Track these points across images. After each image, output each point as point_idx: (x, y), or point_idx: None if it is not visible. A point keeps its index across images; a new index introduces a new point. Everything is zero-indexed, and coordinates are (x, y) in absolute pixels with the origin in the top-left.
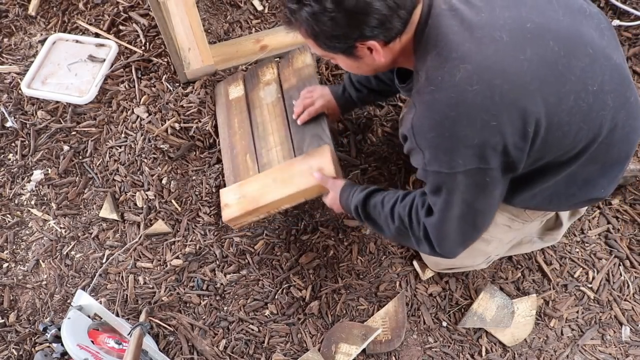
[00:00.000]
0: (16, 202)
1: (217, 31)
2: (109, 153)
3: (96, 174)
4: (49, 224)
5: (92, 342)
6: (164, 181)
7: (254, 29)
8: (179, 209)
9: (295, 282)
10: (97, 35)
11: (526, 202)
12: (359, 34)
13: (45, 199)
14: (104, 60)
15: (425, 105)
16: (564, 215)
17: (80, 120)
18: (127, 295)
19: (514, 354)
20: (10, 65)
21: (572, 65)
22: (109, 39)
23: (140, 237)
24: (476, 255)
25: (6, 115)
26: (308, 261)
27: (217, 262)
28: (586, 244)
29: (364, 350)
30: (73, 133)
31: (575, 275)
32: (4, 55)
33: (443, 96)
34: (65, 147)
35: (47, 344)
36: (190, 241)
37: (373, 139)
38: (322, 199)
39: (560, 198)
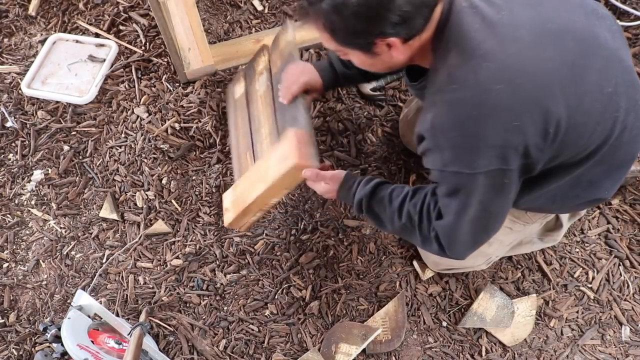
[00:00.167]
0: (16, 202)
1: (217, 31)
2: (109, 153)
3: (96, 174)
4: (49, 224)
5: (92, 342)
6: (164, 181)
7: (254, 29)
8: (179, 209)
9: (295, 282)
10: (97, 35)
11: (530, 203)
12: (380, 30)
13: (46, 199)
14: (104, 60)
15: (448, 104)
16: (564, 216)
17: (81, 120)
18: (127, 295)
19: (514, 354)
20: (11, 65)
21: (590, 67)
22: (109, 39)
23: (140, 237)
24: (477, 257)
25: (6, 115)
26: (308, 261)
27: (217, 262)
28: (586, 244)
29: (364, 350)
30: (73, 133)
31: (575, 275)
32: (4, 55)
33: (466, 95)
34: (66, 147)
35: (47, 344)
36: (190, 241)
37: (373, 139)
38: (310, 186)
39: (564, 199)
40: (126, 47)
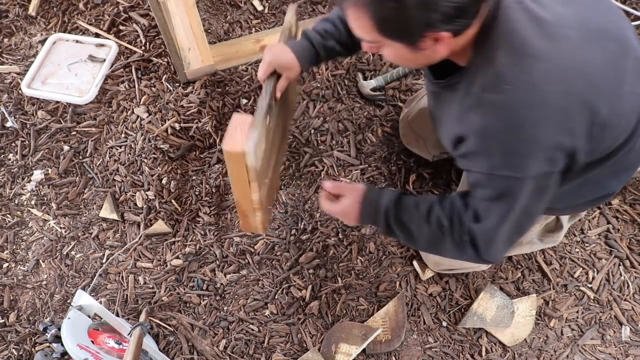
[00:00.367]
0: (16, 202)
1: (217, 31)
2: (109, 153)
3: (96, 174)
4: (49, 224)
5: (92, 342)
6: (164, 181)
7: (254, 29)
8: (179, 209)
9: (295, 282)
10: (97, 35)
11: None
12: (432, 23)
13: (46, 199)
14: (104, 60)
15: (499, 106)
16: (564, 217)
17: (81, 120)
18: (127, 295)
19: (514, 354)
20: (11, 65)
21: (627, 68)
22: (109, 39)
23: (140, 237)
24: None
25: (6, 115)
26: (308, 261)
27: (217, 262)
28: (586, 244)
29: (364, 350)
30: (73, 133)
31: (575, 275)
32: (4, 55)
33: (519, 96)
34: (66, 147)
35: (47, 344)
36: (190, 241)
37: (373, 139)
38: (323, 209)
39: (571, 199)
40: (126, 47)
